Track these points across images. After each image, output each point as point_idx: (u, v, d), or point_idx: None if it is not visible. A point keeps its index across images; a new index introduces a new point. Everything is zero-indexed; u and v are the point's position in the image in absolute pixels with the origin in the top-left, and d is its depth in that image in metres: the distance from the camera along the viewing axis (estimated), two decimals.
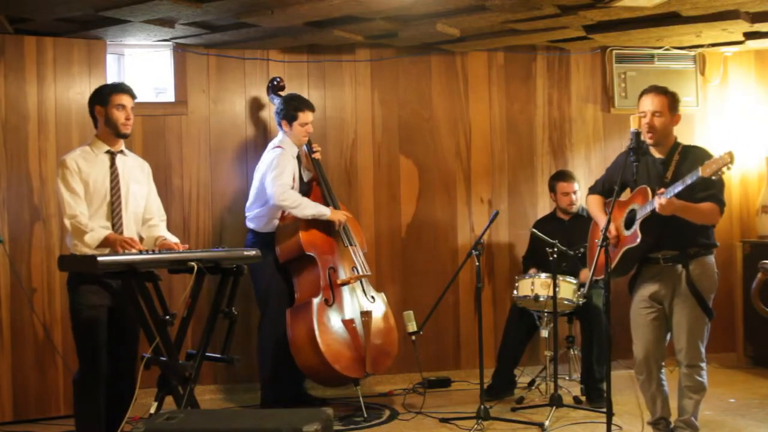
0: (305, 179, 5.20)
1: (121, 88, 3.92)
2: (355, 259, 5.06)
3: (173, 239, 3.99)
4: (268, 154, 5.02)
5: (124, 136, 3.94)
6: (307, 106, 5.08)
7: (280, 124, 5.08)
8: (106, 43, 5.24)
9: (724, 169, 3.48)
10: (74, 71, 5.13)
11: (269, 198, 4.90)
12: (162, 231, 4.04)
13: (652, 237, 3.78)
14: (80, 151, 3.89)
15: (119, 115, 3.86)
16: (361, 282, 5.04)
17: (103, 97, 3.88)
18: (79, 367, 3.82)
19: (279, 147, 5.01)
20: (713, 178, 3.53)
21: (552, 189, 5.55)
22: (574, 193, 5.42)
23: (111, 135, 3.90)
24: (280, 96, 5.27)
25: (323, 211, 4.93)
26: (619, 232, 3.93)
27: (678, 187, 3.62)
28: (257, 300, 5.11)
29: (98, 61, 5.19)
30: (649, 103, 3.85)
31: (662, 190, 3.69)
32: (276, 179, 4.86)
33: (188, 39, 5.30)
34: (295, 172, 5.01)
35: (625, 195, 4.06)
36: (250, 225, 5.08)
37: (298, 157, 5.10)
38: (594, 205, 4.22)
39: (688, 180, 3.59)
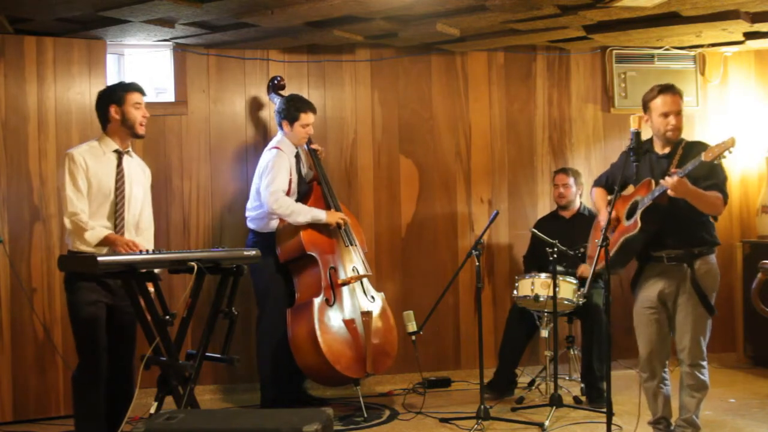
0: (307, 179, 5.20)
1: (134, 87, 3.93)
2: (355, 258, 5.05)
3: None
4: (265, 156, 5.01)
5: (140, 137, 3.95)
6: (309, 107, 5.07)
7: (280, 124, 5.06)
8: (106, 43, 5.23)
9: (726, 153, 3.51)
10: (74, 71, 5.12)
11: (264, 206, 4.91)
12: (149, 245, 4.00)
13: (652, 227, 3.79)
14: (88, 146, 3.88)
15: (137, 114, 3.87)
16: (361, 282, 5.03)
17: (119, 96, 3.88)
18: (78, 365, 3.82)
19: (276, 148, 4.99)
20: (715, 162, 3.59)
21: (553, 184, 5.63)
22: (564, 185, 5.44)
23: (125, 135, 3.90)
24: (280, 95, 5.27)
25: (318, 216, 4.91)
26: (621, 221, 3.94)
27: (683, 173, 3.65)
28: (257, 300, 5.11)
29: (98, 61, 5.19)
30: (672, 103, 3.87)
31: (675, 170, 3.71)
32: (269, 186, 4.85)
33: (188, 39, 5.30)
34: (293, 173, 5.00)
35: (629, 191, 4.08)
36: (250, 225, 5.07)
37: (297, 156, 5.10)
38: (598, 197, 4.24)
39: (690, 166, 3.63)
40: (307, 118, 5.03)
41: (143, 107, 3.91)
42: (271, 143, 5.09)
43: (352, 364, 4.77)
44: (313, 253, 4.86)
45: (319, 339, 4.65)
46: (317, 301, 4.74)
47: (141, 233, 4.03)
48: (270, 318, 4.97)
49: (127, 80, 4.09)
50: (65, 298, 3.83)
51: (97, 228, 3.73)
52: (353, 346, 4.81)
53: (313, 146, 5.21)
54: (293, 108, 5.01)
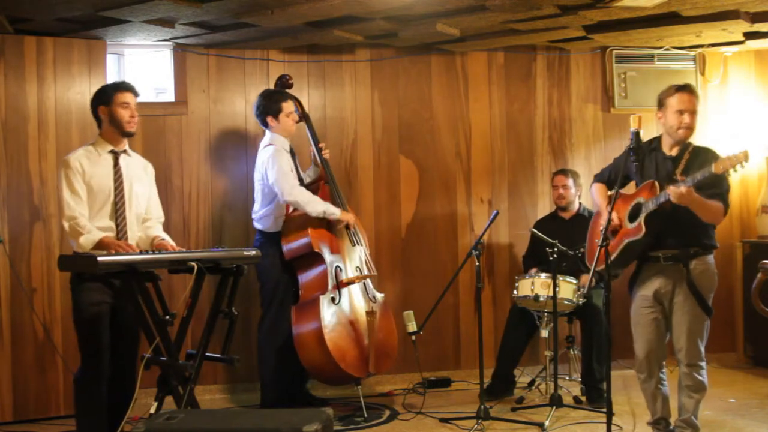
0: (303, 176, 5.18)
1: (124, 87, 3.92)
2: (360, 258, 5.05)
3: (170, 242, 3.98)
4: (263, 154, 4.98)
5: (130, 135, 3.95)
6: (286, 96, 5.07)
7: (265, 123, 5.01)
8: (106, 43, 5.23)
9: (738, 166, 3.52)
10: (74, 71, 5.12)
11: (278, 196, 4.87)
12: (158, 231, 4.04)
13: (655, 231, 3.79)
14: (83, 150, 3.89)
15: (124, 113, 3.86)
16: (364, 282, 5.04)
17: (107, 96, 3.88)
18: (80, 365, 3.82)
19: (271, 145, 4.95)
20: (724, 175, 3.60)
21: (552, 185, 5.63)
22: (564, 186, 5.44)
23: (116, 134, 3.91)
24: (287, 94, 5.25)
25: (333, 210, 4.89)
26: (622, 223, 3.94)
27: (690, 182, 3.66)
28: (263, 299, 5.07)
29: (98, 61, 5.19)
30: (689, 102, 3.88)
31: (683, 178, 3.71)
32: (280, 178, 4.82)
33: (188, 39, 5.30)
34: (291, 167, 4.98)
35: (630, 189, 4.07)
36: (257, 226, 5.05)
37: (292, 152, 5.08)
38: (598, 193, 4.23)
39: (699, 176, 3.63)
40: (288, 106, 5.01)
41: (132, 107, 3.89)
42: (264, 142, 5.04)
43: (356, 362, 4.77)
44: (319, 251, 4.85)
45: (325, 337, 4.64)
46: (323, 299, 4.73)
47: (150, 228, 4.03)
48: (274, 318, 4.95)
49: (126, 80, 4.09)
50: (69, 297, 3.83)
51: (93, 232, 3.73)
52: (357, 345, 4.81)
53: (324, 154, 5.19)
54: (273, 101, 4.98)
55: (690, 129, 3.89)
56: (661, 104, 3.95)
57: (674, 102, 3.88)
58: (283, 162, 4.88)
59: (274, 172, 4.85)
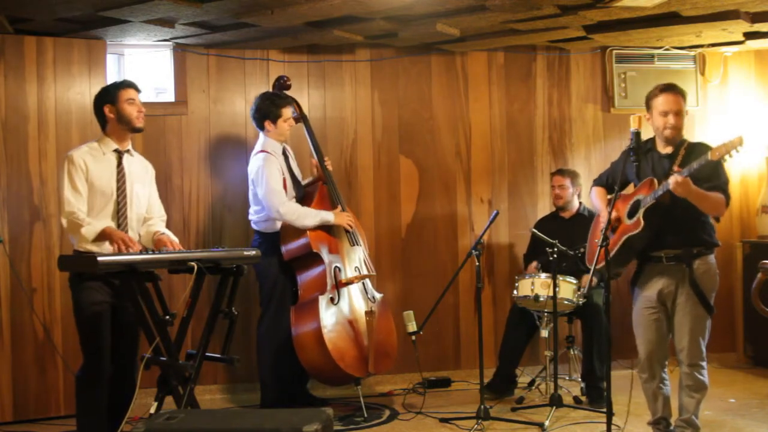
0: (299, 176, 5.17)
1: (126, 84, 3.95)
2: (359, 258, 5.05)
3: (173, 237, 3.98)
4: (254, 161, 4.95)
5: (140, 130, 3.97)
6: (287, 101, 5.05)
7: (261, 126, 4.98)
8: (106, 43, 5.24)
9: (733, 151, 3.52)
10: (74, 71, 5.13)
11: (268, 212, 4.88)
12: (160, 227, 4.05)
13: (654, 226, 3.79)
14: (88, 147, 3.89)
15: (131, 110, 3.89)
16: (363, 282, 5.03)
17: (111, 95, 3.90)
18: (82, 364, 3.82)
19: (263, 152, 4.92)
20: (721, 164, 3.62)
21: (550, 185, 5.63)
22: (561, 187, 5.44)
23: (124, 132, 3.92)
24: (288, 98, 5.23)
25: (326, 218, 4.88)
26: (622, 220, 3.94)
27: (687, 172, 3.66)
28: (262, 299, 5.07)
29: (98, 61, 5.20)
30: (673, 103, 3.86)
31: (678, 168, 3.71)
32: (268, 194, 4.81)
33: (188, 39, 5.30)
34: (284, 173, 4.96)
35: (629, 191, 4.07)
36: (255, 228, 5.05)
37: (285, 153, 5.06)
38: (597, 196, 4.23)
39: (696, 165, 3.63)
40: (287, 112, 5.00)
41: (137, 102, 3.92)
42: (256, 147, 5.01)
43: (356, 362, 4.77)
44: (319, 252, 4.85)
45: (324, 337, 4.64)
46: (322, 300, 4.73)
47: (153, 226, 4.03)
48: (272, 318, 4.95)
49: (126, 78, 4.12)
50: (70, 296, 3.83)
51: (94, 223, 3.73)
52: (356, 345, 4.81)
53: (327, 164, 5.16)
54: (275, 106, 4.95)
55: (675, 129, 3.88)
56: (648, 105, 3.95)
57: (659, 103, 3.88)
58: (272, 174, 4.85)
59: (263, 187, 4.83)
